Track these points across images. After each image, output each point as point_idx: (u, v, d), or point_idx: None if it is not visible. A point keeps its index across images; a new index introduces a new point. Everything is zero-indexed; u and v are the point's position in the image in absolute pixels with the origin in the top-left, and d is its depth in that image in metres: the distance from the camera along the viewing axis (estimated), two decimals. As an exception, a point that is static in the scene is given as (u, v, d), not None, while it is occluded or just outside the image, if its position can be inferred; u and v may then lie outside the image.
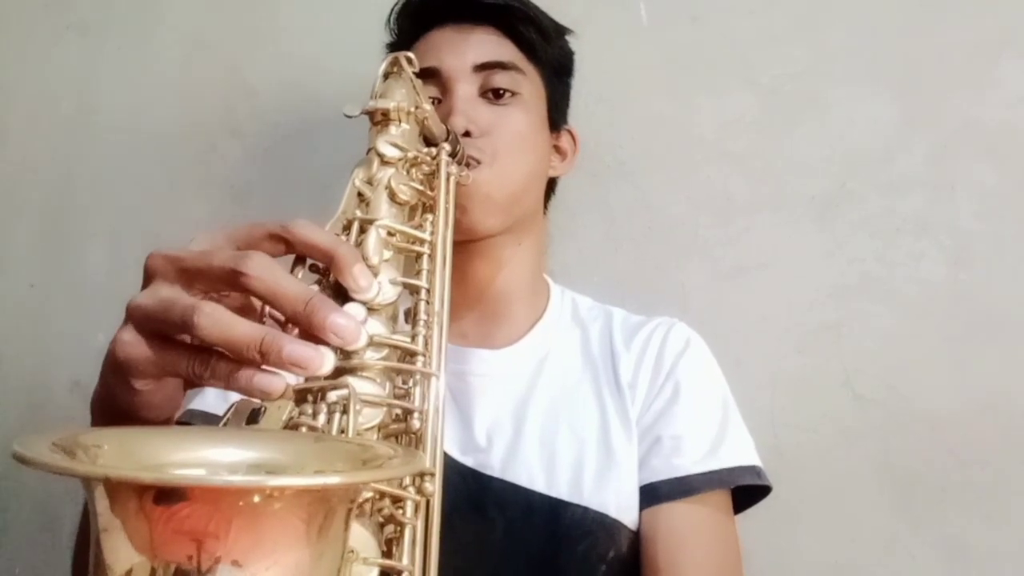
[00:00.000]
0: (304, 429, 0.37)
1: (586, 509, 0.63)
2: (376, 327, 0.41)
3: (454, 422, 0.67)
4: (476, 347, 0.71)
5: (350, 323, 0.38)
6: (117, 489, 0.25)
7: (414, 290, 0.45)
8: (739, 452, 0.67)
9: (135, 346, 0.37)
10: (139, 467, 0.27)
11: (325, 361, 0.36)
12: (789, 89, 0.87)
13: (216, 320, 0.35)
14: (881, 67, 0.85)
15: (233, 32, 1.05)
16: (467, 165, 0.63)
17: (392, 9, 0.77)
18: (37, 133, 1.10)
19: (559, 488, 0.64)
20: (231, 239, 0.41)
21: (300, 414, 0.38)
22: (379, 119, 0.51)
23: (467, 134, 0.66)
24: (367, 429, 0.39)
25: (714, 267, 0.87)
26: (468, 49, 0.70)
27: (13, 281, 1.07)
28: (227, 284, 0.38)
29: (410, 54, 0.56)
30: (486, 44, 0.71)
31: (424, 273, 0.46)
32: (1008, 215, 0.80)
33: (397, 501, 0.38)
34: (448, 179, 0.52)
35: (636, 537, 0.64)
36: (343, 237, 0.45)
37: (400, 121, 0.51)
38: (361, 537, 0.36)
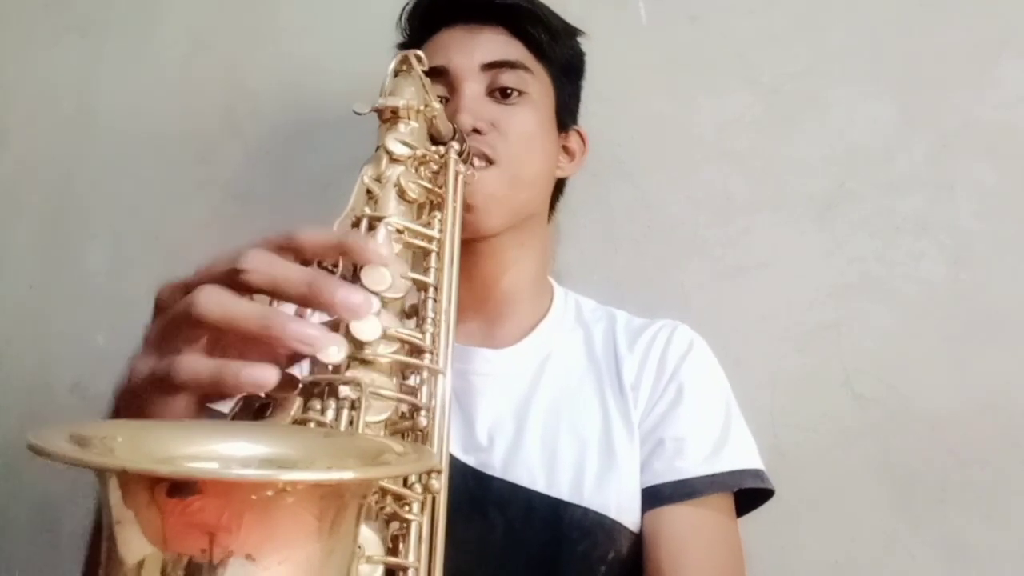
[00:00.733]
0: (313, 425, 0.37)
1: (586, 510, 0.63)
2: (388, 320, 0.41)
3: (456, 421, 0.67)
4: (479, 346, 0.71)
5: (358, 294, 0.38)
6: (132, 481, 0.25)
7: (422, 287, 0.45)
8: (742, 455, 0.67)
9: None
10: (152, 460, 0.27)
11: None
12: (789, 89, 0.87)
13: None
14: (881, 67, 0.85)
15: (233, 33, 1.06)
16: (473, 163, 0.64)
17: (403, 9, 0.77)
18: (37, 134, 1.10)
19: (560, 488, 0.64)
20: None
21: (308, 409, 0.38)
22: (388, 116, 0.51)
23: (474, 131, 0.67)
24: (375, 423, 0.39)
25: (714, 267, 0.87)
26: (476, 48, 0.70)
27: (13, 282, 1.07)
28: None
29: (419, 52, 0.56)
30: (494, 43, 0.71)
31: (432, 271, 0.46)
32: (1008, 215, 0.80)
33: (402, 499, 0.38)
34: (457, 177, 0.52)
35: (636, 539, 0.64)
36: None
37: (409, 119, 0.51)
38: (366, 535, 0.36)
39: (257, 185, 1.01)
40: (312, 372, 0.40)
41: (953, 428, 0.78)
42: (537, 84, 0.72)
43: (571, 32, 0.78)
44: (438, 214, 0.49)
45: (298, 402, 0.38)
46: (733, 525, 0.66)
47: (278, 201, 0.99)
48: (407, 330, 0.42)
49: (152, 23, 1.08)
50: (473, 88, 0.69)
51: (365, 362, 0.40)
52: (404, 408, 0.42)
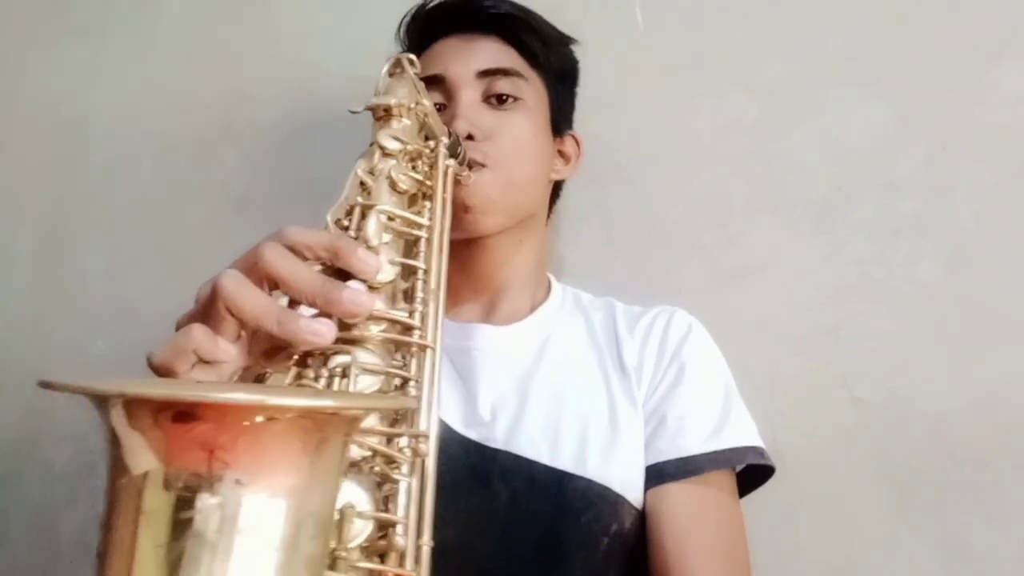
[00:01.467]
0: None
1: (590, 481, 0.63)
2: (376, 303, 0.43)
3: (458, 397, 0.68)
4: (480, 323, 0.73)
5: (359, 294, 0.41)
6: (132, 406, 0.28)
7: (412, 270, 0.47)
8: (743, 433, 0.68)
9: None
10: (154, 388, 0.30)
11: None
12: (786, 91, 0.87)
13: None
14: (879, 69, 0.85)
15: (231, 38, 1.06)
16: (469, 167, 0.65)
17: (401, 21, 0.79)
18: (36, 139, 1.10)
19: (564, 461, 0.64)
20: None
21: (302, 378, 0.41)
22: (381, 114, 0.53)
23: (470, 137, 0.68)
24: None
25: (713, 269, 0.87)
26: (472, 56, 0.72)
27: (12, 287, 1.07)
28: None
29: (411, 55, 0.58)
30: (489, 51, 0.73)
31: (421, 255, 0.48)
32: (1006, 216, 0.80)
33: (392, 462, 0.40)
34: (446, 171, 0.54)
35: (639, 514, 0.64)
36: (345, 221, 0.47)
37: (401, 116, 0.53)
38: (358, 494, 0.38)
39: (255, 190, 1.01)
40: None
41: (952, 429, 0.78)
42: (532, 90, 0.74)
43: (565, 40, 0.80)
44: (428, 204, 0.51)
45: (293, 372, 0.41)
46: (736, 503, 0.67)
47: (276, 206, 0.99)
48: (396, 311, 0.45)
49: (151, 29, 1.08)
50: (469, 95, 0.71)
51: (356, 339, 0.42)
52: (396, 382, 0.44)
